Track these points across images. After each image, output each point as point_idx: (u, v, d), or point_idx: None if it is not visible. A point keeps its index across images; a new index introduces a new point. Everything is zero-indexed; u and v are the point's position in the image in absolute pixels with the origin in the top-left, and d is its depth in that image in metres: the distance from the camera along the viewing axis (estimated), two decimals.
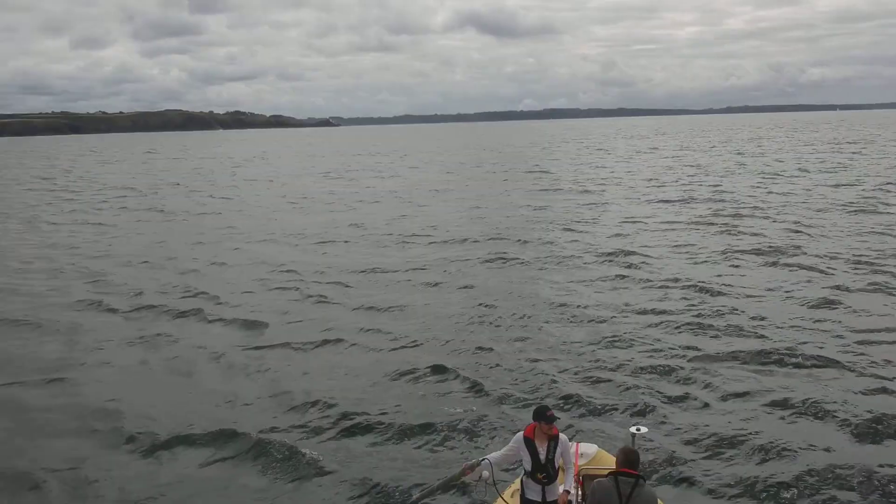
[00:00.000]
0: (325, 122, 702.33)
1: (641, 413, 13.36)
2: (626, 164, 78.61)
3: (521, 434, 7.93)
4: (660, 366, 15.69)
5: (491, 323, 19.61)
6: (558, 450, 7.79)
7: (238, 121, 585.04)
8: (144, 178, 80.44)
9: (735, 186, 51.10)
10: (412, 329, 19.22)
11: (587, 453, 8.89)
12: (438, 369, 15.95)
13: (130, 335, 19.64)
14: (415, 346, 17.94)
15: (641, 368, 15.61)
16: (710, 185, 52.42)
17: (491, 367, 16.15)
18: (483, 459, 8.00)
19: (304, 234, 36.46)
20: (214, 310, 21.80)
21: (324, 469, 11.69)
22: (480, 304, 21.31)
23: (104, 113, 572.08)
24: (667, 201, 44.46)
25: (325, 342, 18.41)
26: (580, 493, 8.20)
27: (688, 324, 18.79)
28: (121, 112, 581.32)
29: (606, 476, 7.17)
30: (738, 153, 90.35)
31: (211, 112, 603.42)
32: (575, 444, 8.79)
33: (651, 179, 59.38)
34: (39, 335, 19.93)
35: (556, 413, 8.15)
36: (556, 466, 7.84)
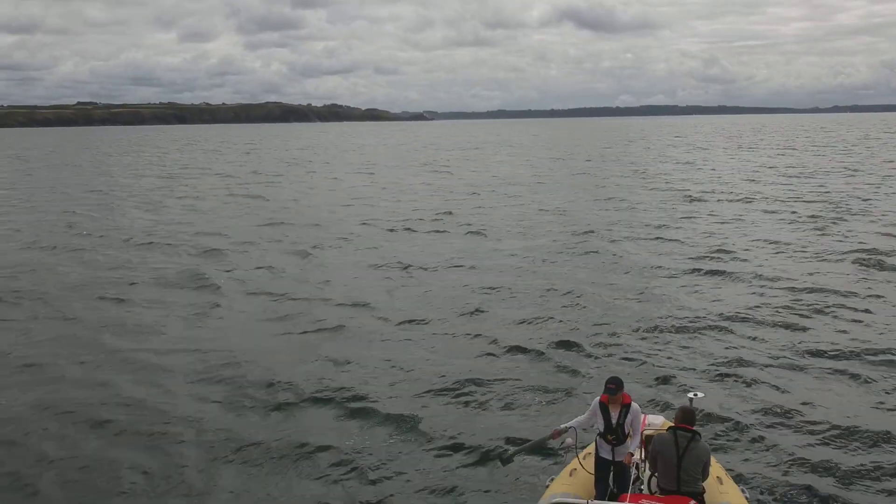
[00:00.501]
0: (418, 116, 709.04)
1: (704, 387, 14.33)
2: (727, 163, 77.34)
3: (597, 399, 9.00)
4: (740, 356, 16.49)
5: (587, 305, 20.91)
6: (629, 417, 8.79)
7: (334, 114, 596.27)
8: (268, 165, 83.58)
9: (838, 187, 49.95)
10: (521, 312, 20.55)
11: (654, 424, 9.87)
12: (561, 344, 17.49)
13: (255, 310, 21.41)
14: (521, 326, 19.33)
15: (717, 355, 16.63)
16: (812, 186, 51.31)
17: (592, 343, 17.54)
18: (569, 427, 9.11)
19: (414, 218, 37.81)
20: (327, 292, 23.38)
21: (438, 428, 13.08)
22: (570, 293, 22.33)
23: (208, 104, 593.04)
24: (766, 199, 43.96)
25: (438, 321, 19.89)
26: (643, 451, 9.12)
27: (774, 320, 19.15)
28: (223, 103, 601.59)
29: (666, 430, 8.28)
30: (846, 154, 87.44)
31: (309, 105, 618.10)
32: (644, 415, 9.60)
33: (751, 180, 58.28)
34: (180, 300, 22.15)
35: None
36: (626, 431, 8.81)
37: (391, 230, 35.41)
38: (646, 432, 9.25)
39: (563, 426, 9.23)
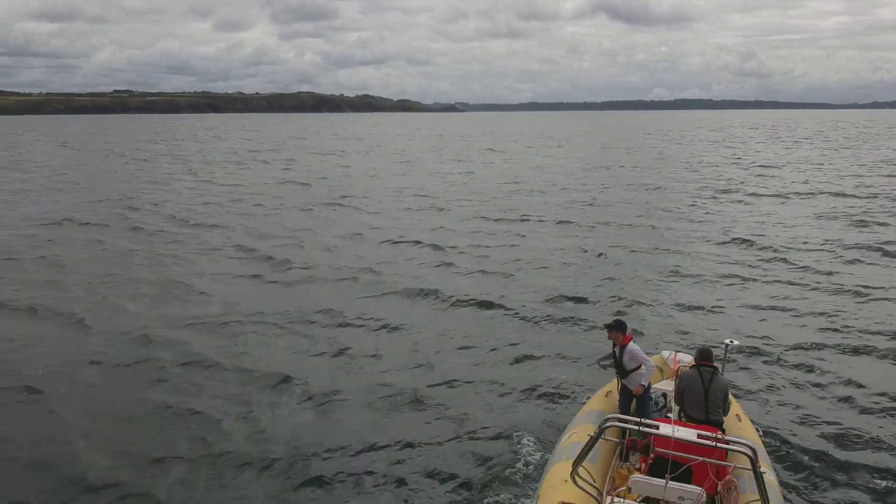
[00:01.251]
0: (450, 108, 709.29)
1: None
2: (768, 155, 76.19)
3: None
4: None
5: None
6: (626, 356, 10.41)
7: (366, 104, 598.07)
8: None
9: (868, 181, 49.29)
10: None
11: (683, 360, 11.59)
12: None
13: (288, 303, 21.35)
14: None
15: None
16: (839, 180, 50.52)
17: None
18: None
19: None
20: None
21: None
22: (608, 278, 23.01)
23: (241, 93, 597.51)
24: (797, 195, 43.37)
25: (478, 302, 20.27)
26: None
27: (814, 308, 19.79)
28: (256, 93, 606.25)
29: (690, 368, 9.62)
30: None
31: (341, 95, 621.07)
32: (674, 353, 12.13)
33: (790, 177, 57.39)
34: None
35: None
36: (627, 367, 10.44)
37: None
38: (680, 370, 10.85)
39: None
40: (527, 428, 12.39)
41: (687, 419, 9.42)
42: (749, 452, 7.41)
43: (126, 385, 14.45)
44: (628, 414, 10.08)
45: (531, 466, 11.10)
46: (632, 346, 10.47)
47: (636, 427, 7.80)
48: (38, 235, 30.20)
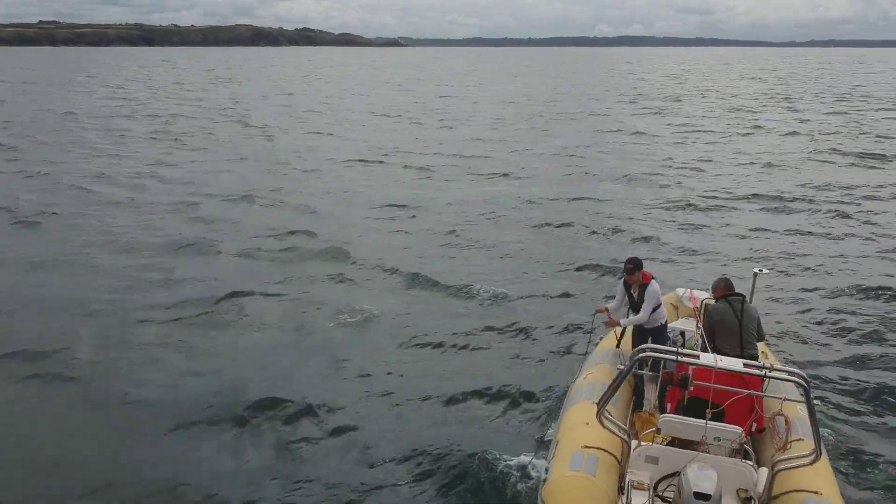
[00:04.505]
0: (393, 42, 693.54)
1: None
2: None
3: (622, 281, 9.87)
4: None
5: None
6: (647, 295, 9.47)
7: (306, 38, 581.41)
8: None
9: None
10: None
11: (700, 297, 10.88)
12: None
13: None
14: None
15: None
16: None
17: None
18: (606, 306, 9.93)
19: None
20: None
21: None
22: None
23: (176, 26, 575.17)
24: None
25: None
26: (701, 318, 9.92)
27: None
28: (192, 25, 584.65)
29: (718, 301, 8.84)
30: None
31: (280, 28, 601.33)
32: (690, 290, 11.29)
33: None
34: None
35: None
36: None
37: None
38: (705, 302, 10.17)
39: (604, 306, 9.99)
40: (529, 385, 11.47)
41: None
42: (803, 383, 6.54)
43: None
44: None
45: (542, 417, 10.29)
46: (654, 284, 9.55)
47: (673, 357, 6.78)
48: None
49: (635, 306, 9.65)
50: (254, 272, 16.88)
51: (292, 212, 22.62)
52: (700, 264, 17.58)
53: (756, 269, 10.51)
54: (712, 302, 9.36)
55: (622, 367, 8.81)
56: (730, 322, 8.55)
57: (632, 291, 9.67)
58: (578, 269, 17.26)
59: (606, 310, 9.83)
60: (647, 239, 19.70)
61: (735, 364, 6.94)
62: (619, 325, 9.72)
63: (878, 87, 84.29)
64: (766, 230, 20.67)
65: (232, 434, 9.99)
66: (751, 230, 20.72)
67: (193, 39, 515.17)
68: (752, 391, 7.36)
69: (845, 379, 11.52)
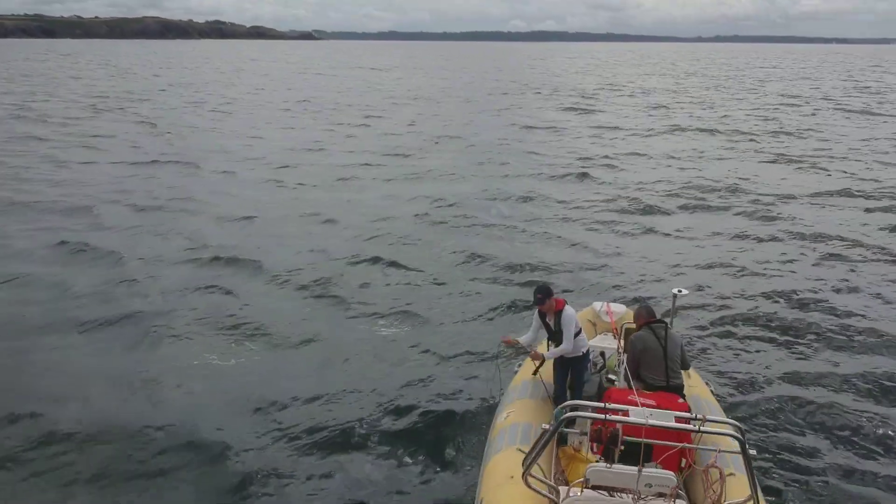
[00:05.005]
0: (307, 36, 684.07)
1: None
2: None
3: (535, 311, 9.16)
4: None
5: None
6: (564, 323, 8.88)
7: (217, 30, 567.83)
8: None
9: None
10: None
11: (617, 311, 10.60)
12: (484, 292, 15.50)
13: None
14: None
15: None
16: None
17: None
18: (519, 341, 9.25)
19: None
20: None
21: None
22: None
23: (79, 17, 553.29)
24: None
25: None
26: (621, 342, 9.44)
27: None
28: (96, 17, 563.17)
29: (640, 328, 8.50)
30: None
31: (190, 21, 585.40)
32: (606, 304, 10.80)
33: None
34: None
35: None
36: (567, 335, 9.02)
37: None
38: (623, 324, 9.82)
39: (512, 338, 9.37)
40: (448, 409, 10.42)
41: (643, 386, 8.12)
42: (739, 435, 6.31)
43: None
44: (566, 383, 9.11)
45: (461, 466, 9.31)
46: (568, 309, 9.00)
47: (602, 416, 6.48)
48: None
49: (554, 335, 9.07)
50: (140, 285, 15.42)
51: (186, 219, 21.15)
52: (616, 275, 16.61)
53: (675, 290, 10.09)
54: (632, 326, 9.16)
55: (546, 398, 8.90)
56: (654, 351, 8.25)
57: (547, 320, 9.10)
58: (491, 281, 16.14)
59: (516, 342, 9.29)
60: (559, 243, 18.93)
61: (667, 419, 6.67)
62: (542, 358, 9.06)
63: (790, 84, 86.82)
64: (683, 237, 19.90)
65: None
66: (667, 235, 20.01)
67: (98, 31, 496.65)
68: (683, 444, 7.01)
69: (773, 404, 10.84)
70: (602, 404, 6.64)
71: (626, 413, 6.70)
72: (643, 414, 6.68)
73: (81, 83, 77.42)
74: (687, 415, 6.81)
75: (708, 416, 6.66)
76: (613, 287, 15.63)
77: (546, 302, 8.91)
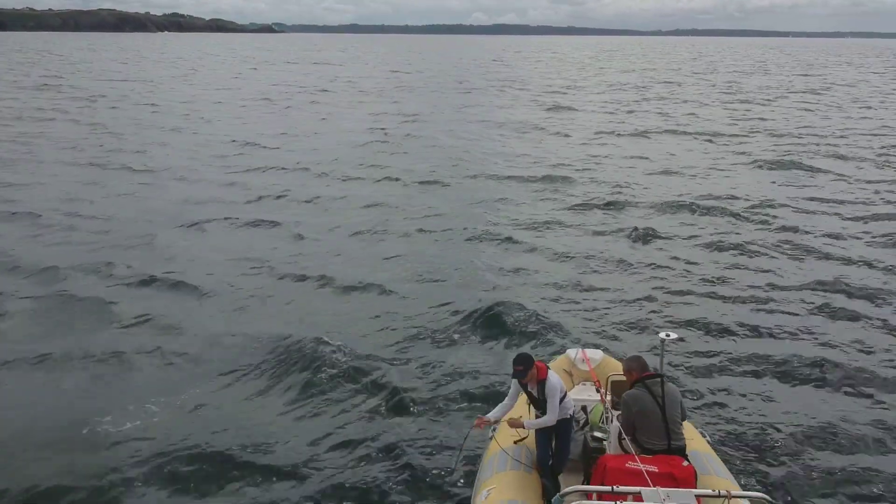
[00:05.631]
0: (267, 29, 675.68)
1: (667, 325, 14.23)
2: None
3: (515, 381, 8.39)
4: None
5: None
6: (548, 391, 8.14)
7: (175, 24, 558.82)
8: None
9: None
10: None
11: (594, 358, 9.98)
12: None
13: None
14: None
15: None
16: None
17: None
18: (495, 417, 8.46)
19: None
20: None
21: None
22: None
23: (31, 9, 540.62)
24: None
25: None
26: (609, 396, 8.92)
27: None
28: (49, 9, 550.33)
29: (633, 385, 7.65)
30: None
31: (147, 13, 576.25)
32: (581, 350, 10.14)
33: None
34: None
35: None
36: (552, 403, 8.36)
37: None
38: (609, 377, 9.19)
39: (487, 416, 8.51)
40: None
41: (641, 451, 7.23)
42: None
43: None
44: (549, 448, 8.34)
45: None
46: (552, 377, 8.21)
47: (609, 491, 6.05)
48: None
49: (537, 403, 8.33)
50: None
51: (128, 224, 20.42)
52: (588, 313, 15.10)
53: (663, 335, 9.22)
54: (620, 379, 8.52)
55: (529, 468, 8.11)
56: (651, 412, 7.36)
57: (529, 389, 8.33)
58: (454, 313, 14.98)
59: (488, 421, 8.43)
60: (521, 280, 17.14)
61: (688, 499, 6.03)
62: (522, 426, 8.27)
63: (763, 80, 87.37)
64: (655, 262, 18.34)
65: None
66: (642, 263, 18.27)
67: (52, 24, 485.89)
68: None
69: (776, 455, 10.26)
70: (609, 487, 6.02)
71: (638, 497, 6.05)
72: (658, 497, 6.00)
73: None
74: (710, 493, 6.23)
75: (732, 492, 6.15)
76: (584, 329, 14.23)
77: (528, 373, 8.10)
